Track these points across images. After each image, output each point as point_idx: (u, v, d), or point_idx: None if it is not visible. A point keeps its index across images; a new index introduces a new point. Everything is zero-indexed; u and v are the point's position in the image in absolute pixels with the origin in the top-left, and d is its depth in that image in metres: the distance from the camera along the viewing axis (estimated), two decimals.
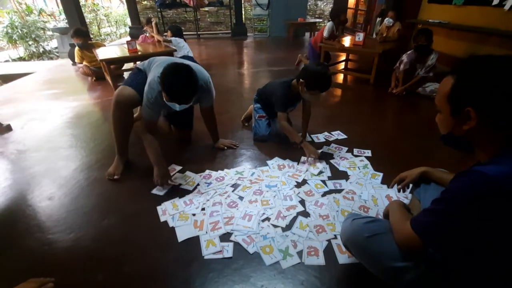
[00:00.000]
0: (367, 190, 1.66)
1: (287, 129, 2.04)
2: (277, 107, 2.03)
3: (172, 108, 1.57)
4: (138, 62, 1.90)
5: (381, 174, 1.80)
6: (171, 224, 1.42)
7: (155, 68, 1.68)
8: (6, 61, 6.97)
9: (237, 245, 1.30)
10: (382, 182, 1.73)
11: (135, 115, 2.48)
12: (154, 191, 1.68)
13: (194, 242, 1.33)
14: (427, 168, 1.23)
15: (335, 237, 1.33)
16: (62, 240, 1.37)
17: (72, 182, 1.80)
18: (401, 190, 1.29)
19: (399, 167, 1.84)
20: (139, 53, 3.50)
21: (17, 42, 7.45)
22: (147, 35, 4.83)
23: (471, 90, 0.74)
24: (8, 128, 2.52)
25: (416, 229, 0.82)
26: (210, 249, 1.27)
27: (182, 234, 1.36)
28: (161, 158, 1.70)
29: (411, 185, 1.28)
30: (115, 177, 1.78)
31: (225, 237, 1.34)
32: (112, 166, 1.84)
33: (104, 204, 1.60)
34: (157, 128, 1.76)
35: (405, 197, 1.58)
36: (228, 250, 1.27)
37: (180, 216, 1.47)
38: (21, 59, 7.34)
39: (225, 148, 2.12)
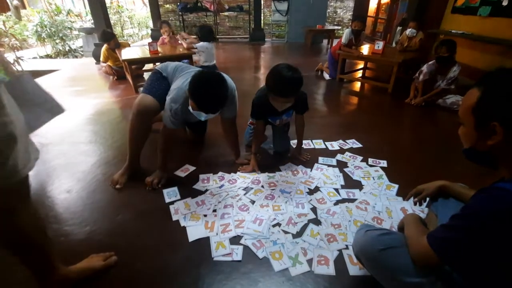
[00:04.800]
0: (381, 201, 1.62)
1: (253, 138, 1.96)
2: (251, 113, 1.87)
3: (197, 118, 1.53)
4: (157, 64, 1.89)
5: (396, 186, 1.76)
6: (182, 224, 1.44)
7: (182, 78, 1.63)
8: (34, 58, 7.32)
9: (246, 248, 1.30)
10: (397, 194, 1.69)
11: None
12: None
13: (204, 243, 1.34)
14: (446, 182, 1.19)
15: (347, 248, 1.30)
16: (77, 233, 1.41)
17: (89, 176, 1.86)
18: (418, 203, 1.26)
19: (415, 180, 1.80)
20: (160, 54, 3.60)
21: (45, 40, 7.82)
22: (164, 37, 4.83)
23: (498, 103, 0.71)
24: None
25: (433, 245, 0.80)
26: (220, 251, 1.28)
27: (193, 234, 1.37)
28: (165, 166, 1.76)
29: (428, 199, 1.25)
30: (117, 186, 1.72)
31: (235, 240, 1.35)
32: (118, 173, 1.78)
33: (119, 200, 1.64)
34: (173, 137, 1.73)
35: (421, 211, 1.54)
36: (237, 253, 1.27)
37: (191, 216, 1.49)
38: (48, 56, 7.70)
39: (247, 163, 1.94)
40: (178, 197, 1.65)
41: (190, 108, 1.51)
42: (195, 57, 3.95)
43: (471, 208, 0.74)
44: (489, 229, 0.69)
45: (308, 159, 2.04)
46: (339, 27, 8.88)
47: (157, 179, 1.72)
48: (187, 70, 1.71)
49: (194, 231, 1.39)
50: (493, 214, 0.68)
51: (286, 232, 1.39)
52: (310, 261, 1.24)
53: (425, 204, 1.29)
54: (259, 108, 1.80)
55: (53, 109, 0.93)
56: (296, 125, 1.99)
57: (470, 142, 0.81)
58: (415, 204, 1.26)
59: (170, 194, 1.68)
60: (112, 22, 9.51)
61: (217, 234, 1.37)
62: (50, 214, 1.54)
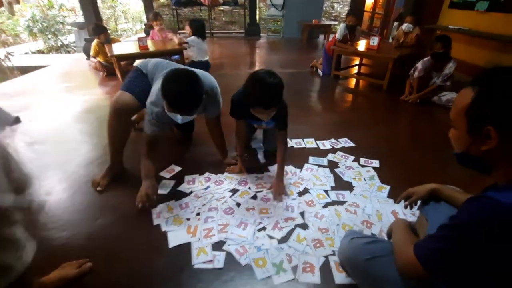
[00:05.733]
0: (372, 203, 1.57)
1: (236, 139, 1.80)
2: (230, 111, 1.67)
3: (175, 121, 1.42)
4: (137, 62, 1.79)
5: (388, 187, 1.71)
6: (163, 228, 1.38)
7: (161, 77, 1.48)
8: (26, 53, 7.18)
9: (229, 255, 1.25)
10: (389, 196, 1.64)
11: (133, 118, 2.46)
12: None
13: (185, 249, 1.28)
14: (437, 185, 1.14)
15: (333, 253, 1.25)
16: (55, 238, 1.35)
17: (71, 177, 1.80)
18: (408, 206, 1.21)
19: (408, 181, 1.75)
20: (150, 50, 3.51)
21: (37, 35, 7.68)
22: (155, 29, 4.71)
23: (493, 106, 0.65)
24: (17, 120, 2.55)
25: (420, 256, 0.75)
26: (201, 258, 1.22)
27: (173, 240, 1.31)
28: (151, 173, 1.54)
29: (419, 202, 1.20)
30: (98, 188, 1.64)
31: (217, 246, 1.29)
32: (100, 174, 1.70)
33: (100, 203, 1.58)
34: (158, 142, 1.60)
35: (412, 213, 1.49)
36: (219, 260, 1.21)
37: (174, 220, 1.43)
38: (40, 52, 7.56)
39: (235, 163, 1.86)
40: (170, 187, 1.64)
41: (166, 110, 1.40)
42: (186, 53, 3.86)
43: (460, 219, 0.69)
44: (479, 241, 0.64)
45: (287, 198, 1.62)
46: (336, 22, 8.78)
47: (150, 190, 1.48)
48: (169, 68, 1.58)
49: (175, 237, 1.33)
50: (483, 225, 0.63)
51: (271, 237, 1.34)
52: (295, 268, 1.19)
53: (416, 207, 1.24)
54: (239, 106, 1.57)
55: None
56: (277, 145, 1.63)
57: (462, 147, 0.75)
58: (405, 207, 1.21)
59: (164, 186, 1.66)
60: (105, 16, 9.38)
61: (199, 239, 1.32)
62: (28, 218, 1.47)
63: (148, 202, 1.45)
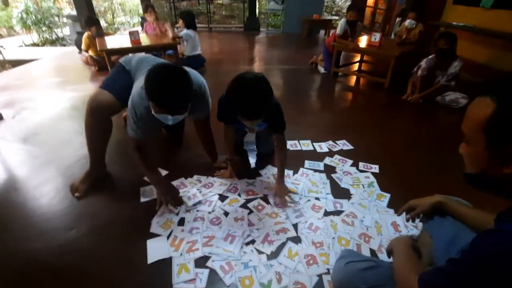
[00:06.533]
0: (371, 214, 1.46)
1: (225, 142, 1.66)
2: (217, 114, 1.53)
3: (164, 122, 1.27)
4: (122, 58, 1.61)
5: (388, 196, 1.59)
6: (151, 230, 1.32)
7: (144, 74, 1.32)
8: (20, 46, 7.00)
9: (212, 272, 1.13)
10: (389, 206, 1.52)
11: (124, 114, 2.33)
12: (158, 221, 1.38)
13: (166, 264, 1.17)
14: (443, 198, 1.02)
15: (328, 272, 1.14)
16: (19, 251, 1.23)
17: (50, 182, 1.67)
18: (410, 220, 1.10)
19: (409, 188, 1.65)
20: (142, 44, 3.36)
21: (31, 27, 7.49)
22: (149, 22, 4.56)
23: None
24: None
25: None
26: (182, 276, 1.11)
27: (153, 255, 1.20)
28: (161, 175, 1.46)
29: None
30: (76, 194, 1.53)
31: (201, 262, 1.18)
32: (79, 179, 1.59)
33: (76, 211, 1.46)
34: (148, 144, 1.44)
35: (414, 226, 1.38)
36: (202, 279, 1.10)
37: (163, 224, 1.36)
38: (34, 45, 7.38)
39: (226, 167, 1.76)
40: (154, 195, 1.51)
41: (153, 112, 1.24)
42: (179, 47, 3.72)
43: (472, 254, 0.59)
44: (493, 282, 0.53)
45: (292, 206, 1.50)
46: (337, 17, 8.59)
47: (170, 197, 1.42)
48: (152, 64, 1.43)
49: (155, 250, 1.22)
50: (498, 265, 0.53)
51: (260, 252, 1.22)
52: None
53: (418, 220, 1.13)
54: (227, 109, 1.40)
55: None
56: (275, 149, 1.57)
57: (478, 167, 0.63)
58: (407, 220, 1.11)
59: (146, 193, 1.55)
60: (102, 9, 9.17)
61: (181, 254, 1.20)
62: None
63: (175, 208, 1.43)
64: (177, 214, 1.42)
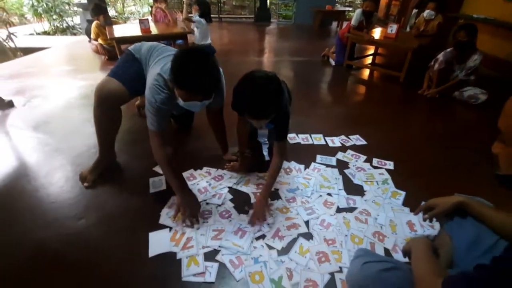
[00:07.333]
0: (385, 212, 1.41)
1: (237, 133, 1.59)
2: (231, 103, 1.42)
3: (189, 110, 1.22)
4: (131, 46, 1.57)
5: (403, 193, 1.53)
6: (160, 221, 1.30)
7: (160, 62, 1.31)
8: (31, 34, 7.05)
9: (222, 266, 1.11)
10: (404, 204, 1.47)
11: (137, 103, 2.32)
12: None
13: (174, 257, 1.15)
14: (465, 198, 0.97)
15: (340, 270, 1.10)
16: (29, 240, 1.23)
17: (59, 170, 1.67)
18: (428, 220, 1.05)
19: (426, 187, 1.58)
20: (152, 33, 3.32)
21: (42, 15, 7.51)
22: (158, 9, 4.50)
23: None
24: (10, 104, 2.44)
25: None
26: (192, 269, 1.09)
27: (154, 248, 1.18)
28: (185, 182, 1.34)
29: None
30: (85, 184, 1.52)
31: (210, 255, 1.15)
32: (88, 168, 1.56)
33: (85, 200, 1.45)
34: (170, 137, 1.37)
35: (431, 225, 1.33)
36: (211, 273, 1.08)
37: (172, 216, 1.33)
38: (45, 33, 7.41)
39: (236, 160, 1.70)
40: (164, 187, 1.51)
41: (180, 101, 1.18)
42: (189, 37, 3.67)
43: (503, 263, 0.54)
44: None
45: (269, 223, 1.31)
46: (351, 9, 8.36)
47: (189, 210, 1.28)
48: (166, 53, 1.40)
49: (158, 243, 1.20)
50: None
51: (270, 248, 1.19)
52: (295, 286, 1.04)
53: (435, 219, 1.08)
54: (242, 99, 1.20)
55: None
56: (273, 157, 1.39)
57: None
58: (424, 220, 1.06)
59: (156, 183, 1.54)
60: None
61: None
62: (4, 217, 1.35)
63: (195, 222, 1.28)
64: (198, 229, 1.27)
